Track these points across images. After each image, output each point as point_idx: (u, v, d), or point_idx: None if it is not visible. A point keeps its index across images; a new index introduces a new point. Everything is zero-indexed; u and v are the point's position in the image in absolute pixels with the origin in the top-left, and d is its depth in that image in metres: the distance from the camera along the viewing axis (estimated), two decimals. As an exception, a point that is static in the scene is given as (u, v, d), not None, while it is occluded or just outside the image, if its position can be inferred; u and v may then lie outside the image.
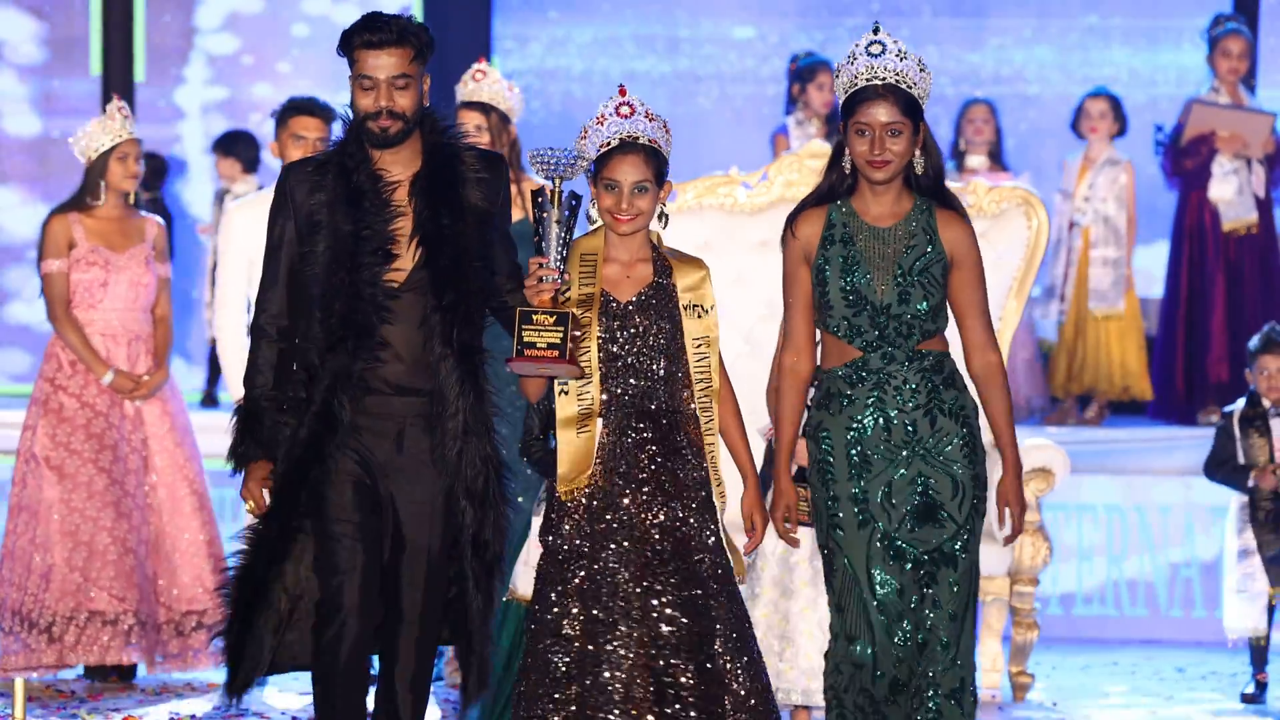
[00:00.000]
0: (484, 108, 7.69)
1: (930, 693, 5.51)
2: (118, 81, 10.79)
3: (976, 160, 10.12)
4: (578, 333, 5.38)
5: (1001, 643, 8.21)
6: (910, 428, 5.50)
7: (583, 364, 5.44)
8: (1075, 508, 9.53)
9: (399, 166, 5.47)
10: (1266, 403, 8.15)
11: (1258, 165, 9.90)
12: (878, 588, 5.52)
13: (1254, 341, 8.28)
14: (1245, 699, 8.08)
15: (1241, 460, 8.14)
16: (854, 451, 5.52)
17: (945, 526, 5.51)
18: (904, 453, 5.51)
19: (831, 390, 5.56)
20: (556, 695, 5.44)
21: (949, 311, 5.58)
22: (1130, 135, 10.62)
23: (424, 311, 5.41)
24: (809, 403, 5.67)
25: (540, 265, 5.35)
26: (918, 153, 5.51)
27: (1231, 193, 9.92)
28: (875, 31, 5.50)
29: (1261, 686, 8.10)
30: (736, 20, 11.52)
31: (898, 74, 5.45)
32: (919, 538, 5.51)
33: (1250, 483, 8.09)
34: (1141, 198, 10.44)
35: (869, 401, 5.51)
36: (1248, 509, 8.13)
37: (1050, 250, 9.57)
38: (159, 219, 8.43)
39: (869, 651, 5.53)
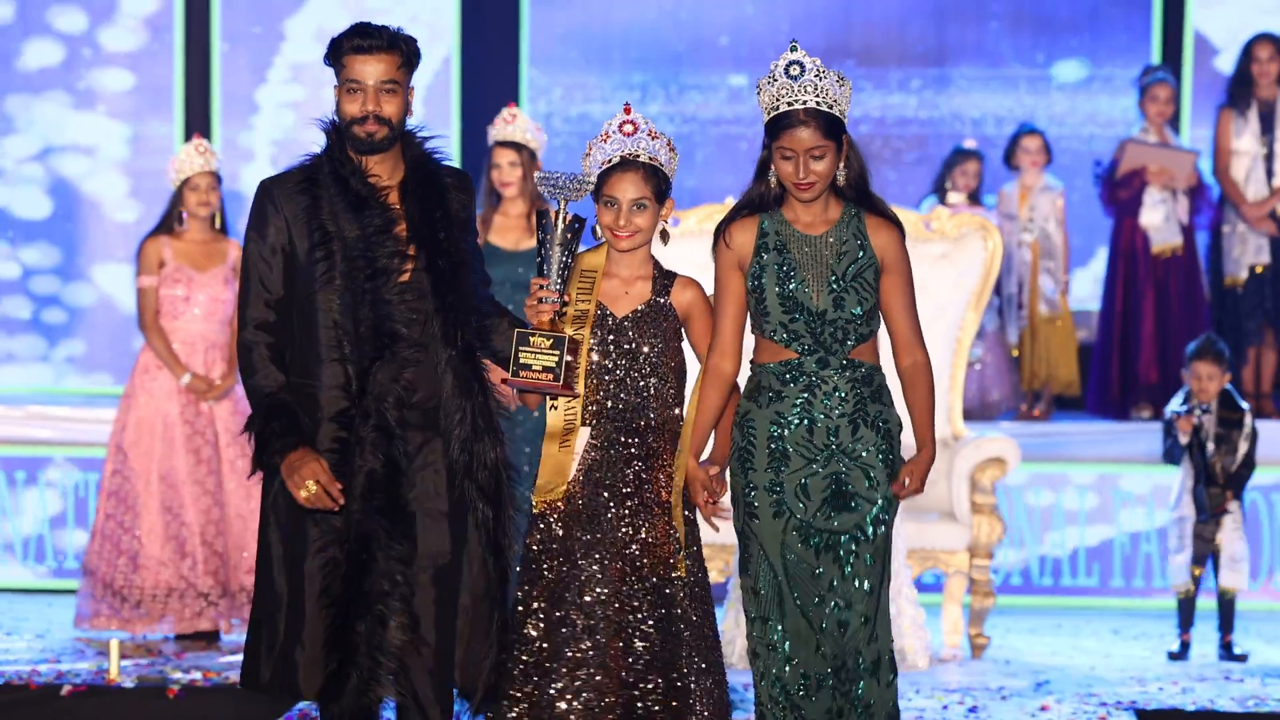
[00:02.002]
0: (517, 146, 7.83)
1: (853, 669, 5.17)
2: (197, 124, 11.05)
3: (956, 197, 9.94)
4: (572, 357, 5.06)
5: (962, 609, 8.31)
6: (832, 432, 5.15)
7: (574, 384, 5.11)
8: (1025, 492, 9.60)
9: (384, 175, 5.06)
10: (1195, 401, 8.25)
11: (1182, 196, 9.91)
12: (791, 569, 5.17)
13: (1191, 347, 8.35)
14: (1172, 656, 8.22)
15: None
16: (774, 445, 5.15)
17: (859, 509, 5.15)
18: (823, 454, 5.15)
19: (762, 383, 5.19)
20: (513, 692, 5.13)
21: (878, 316, 5.22)
22: (1068, 168, 10.63)
23: (426, 314, 5.01)
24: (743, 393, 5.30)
25: (541, 286, 5.06)
26: (842, 165, 5.13)
27: (1160, 220, 9.88)
28: (793, 50, 5.10)
29: (1185, 645, 8.24)
30: (731, 70, 11.32)
31: (818, 95, 5.05)
32: (833, 521, 5.14)
33: (1183, 439, 8.18)
34: (1078, 221, 10.47)
35: (798, 401, 5.15)
36: (1189, 478, 8.20)
37: (1004, 268, 9.77)
38: (240, 242, 8.56)
39: (780, 630, 5.18)
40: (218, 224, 8.44)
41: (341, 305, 4.97)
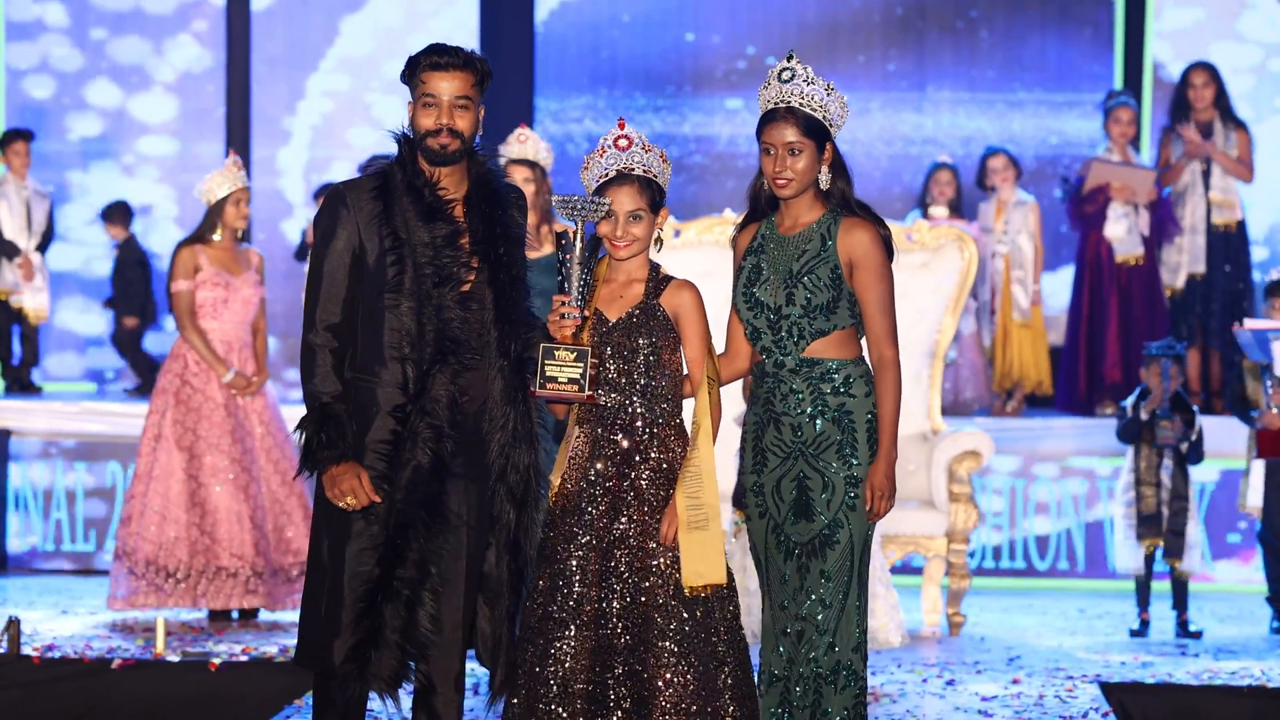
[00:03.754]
0: (530, 164, 7.82)
1: (809, 670, 5.03)
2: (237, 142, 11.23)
3: (939, 211, 10.05)
4: (595, 368, 5.00)
5: (940, 590, 8.42)
6: (796, 430, 5.05)
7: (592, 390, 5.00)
8: (999, 482, 9.68)
9: (452, 187, 5.01)
10: (1154, 389, 8.29)
11: (1143, 210, 10.04)
12: (768, 571, 5.13)
13: (1152, 348, 8.39)
14: (1133, 633, 8.33)
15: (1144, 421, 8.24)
16: (757, 445, 5.13)
17: (815, 521, 5.03)
18: (792, 451, 5.06)
19: (751, 387, 5.22)
20: (520, 681, 5.05)
21: (849, 312, 5.06)
22: (1038, 184, 10.76)
23: (484, 323, 4.99)
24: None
25: (563, 303, 4.97)
26: (824, 170, 5.05)
27: (1123, 232, 10.00)
28: (789, 59, 5.08)
29: (1145, 623, 8.33)
30: (728, 93, 11.46)
31: (802, 97, 5.01)
32: (796, 530, 5.05)
33: (1145, 416, 8.17)
34: (1047, 232, 10.54)
35: (764, 402, 5.12)
36: (1133, 471, 8.26)
37: (979, 277, 9.86)
38: (258, 250, 8.65)
39: (762, 621, 5.19)
40: (239, 235, 8.50)
41: (408, 309, 4.91)
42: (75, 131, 11.59)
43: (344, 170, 11.38)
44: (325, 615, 4.95)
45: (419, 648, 4.95)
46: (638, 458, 5.07)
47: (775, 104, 5.05)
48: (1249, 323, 7.81)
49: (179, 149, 11.58)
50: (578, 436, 5.11)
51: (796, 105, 5.01)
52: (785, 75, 5.06)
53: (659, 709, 4.95)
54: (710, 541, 5.01)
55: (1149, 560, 8.35)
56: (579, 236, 4.96)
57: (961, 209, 10.30)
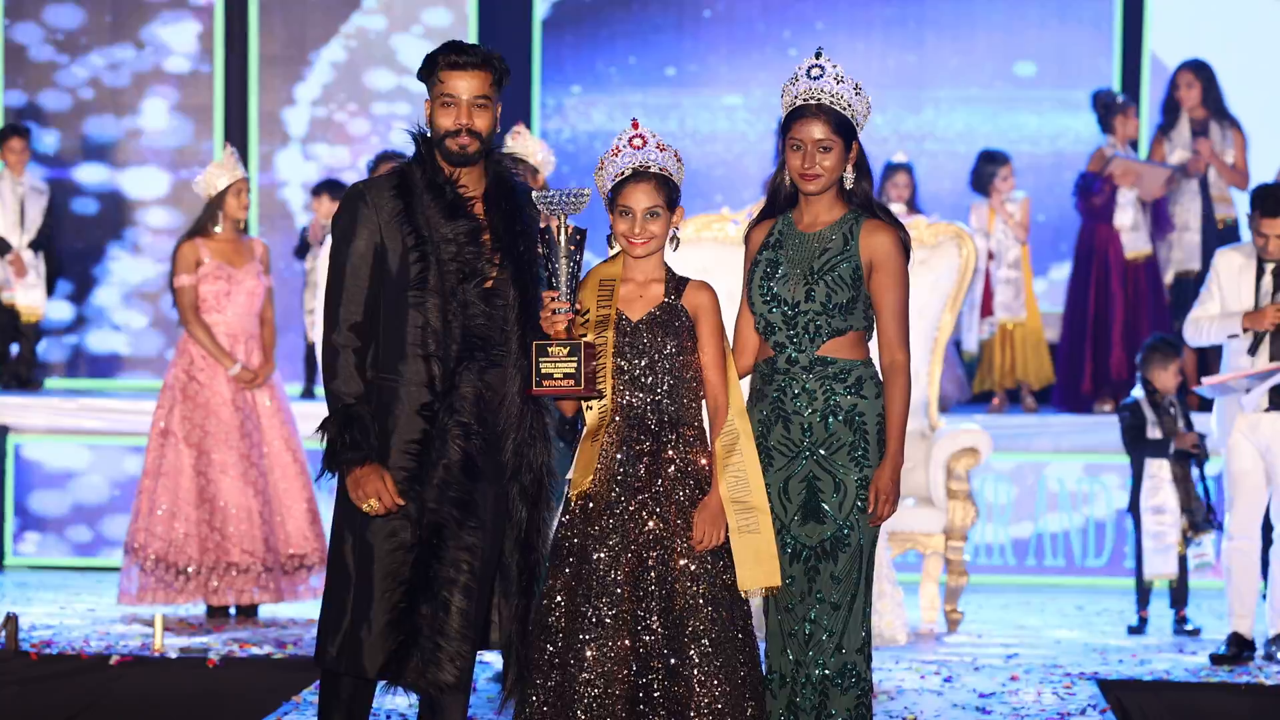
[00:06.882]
0: (521, 161, 7.94)
1: (816, 673, 5.01)
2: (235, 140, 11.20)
3: (896, 208, 9.80)
4: (593, 361, 4.94)
5: (938, 587, 8.41)
6: (806, 429, 5.02)
7: (600, 385, 5.00)
8: (996, 479, 9.69)
9: (471, 185, 4.95)
10: (1161, 397, 8.27)
11: (1147, 207, 10.02)
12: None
13: (1147, 345, 8.40)
14: (1131, 630, 8.33)
15: (1157, 434, 8.19)
16: (762, 444, 5.06)
17: (826, 523, 4.99)
18: (800, 450, 5.03)
19: (754, 384, 5.15)
20: (538, 680, 4.99)
21: (864, 314, 5.06)
22: (1033, 184, 10.80)
23: (507, 320, 4.94)
24: None
25: (552, 298, 4.92)
26: (849, 169, 5.06)
27: (1129, 221, 10.01)
28: (817, 56, 5.10)
29: (1143, 621, 8.32)
30: (727, 90, 11.50)
31: (832, 95, 5.01)
32: (805, 533, 5.01)
33: (1171, 449, 8.13)
34: (1045, 231, 10.59)
35: (773, 400, 5.07)
36: (1163, 472, 8.15)
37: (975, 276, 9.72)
38: (263, 241, 8.66)
39: (767, 623, 5.14)
40: (240, 226, 8.51)
41: (433, 306, 4.85)
42: (79, 213, 11.54)
43: (352, 108, 11.38)
44: (352, 616, 4.88)
45: (455, 645, 4.86)
46: (664, 457, 5.03)
47: (805, 100, 5.04)
48: (1207, 380, 7.77)
49: (173, 219, 11.56)
50: (605, 435, 5.04)
51: (827, 103, 5.01)
52: (814, 72, 5.05)
53: (696, 709, 4.93)
54: (763, 545, 4.98)
55: (1182, 560, 8.26)
56: (562, 231, 4.90)
57: (918, 207, 10.26)
